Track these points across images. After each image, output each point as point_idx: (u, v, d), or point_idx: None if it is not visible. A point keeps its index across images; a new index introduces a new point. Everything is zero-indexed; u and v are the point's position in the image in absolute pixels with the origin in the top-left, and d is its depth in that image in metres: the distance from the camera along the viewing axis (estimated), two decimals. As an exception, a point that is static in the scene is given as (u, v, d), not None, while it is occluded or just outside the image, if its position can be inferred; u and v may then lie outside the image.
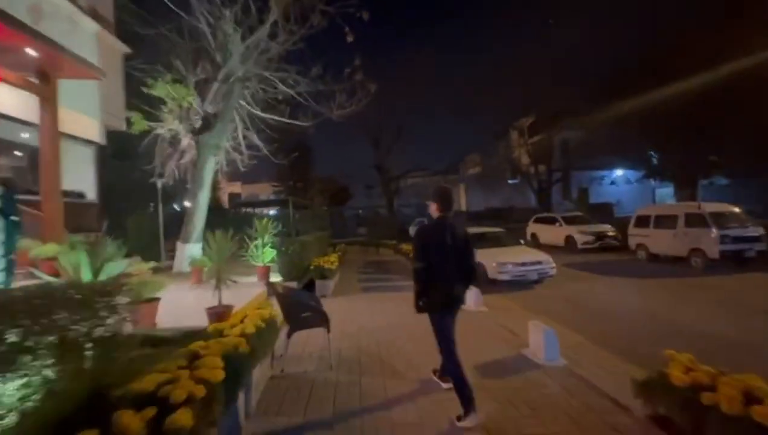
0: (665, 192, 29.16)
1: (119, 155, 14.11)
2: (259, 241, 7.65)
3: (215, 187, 31.13)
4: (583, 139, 26.92)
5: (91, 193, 10.26)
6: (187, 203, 9.63)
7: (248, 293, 6.39)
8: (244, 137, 10.71)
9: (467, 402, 2.79)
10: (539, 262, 8.88)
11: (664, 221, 11.63)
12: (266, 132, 11.08)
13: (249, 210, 19.64)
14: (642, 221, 12.51)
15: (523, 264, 8.76)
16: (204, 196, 9.51)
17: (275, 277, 7.59)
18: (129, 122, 9.00)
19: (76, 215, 9.61)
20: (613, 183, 29.75)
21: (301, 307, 3.69)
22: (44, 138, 7.06)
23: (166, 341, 3.69)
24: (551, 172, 27.55)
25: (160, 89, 8.69)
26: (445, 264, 2.96)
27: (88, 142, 10.27)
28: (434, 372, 3.55)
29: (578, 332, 4.95)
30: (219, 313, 3.97)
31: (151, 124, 9.40)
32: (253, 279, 7.57)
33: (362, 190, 36.69)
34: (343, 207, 34.46)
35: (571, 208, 25.83)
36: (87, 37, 9.95)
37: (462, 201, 37.61)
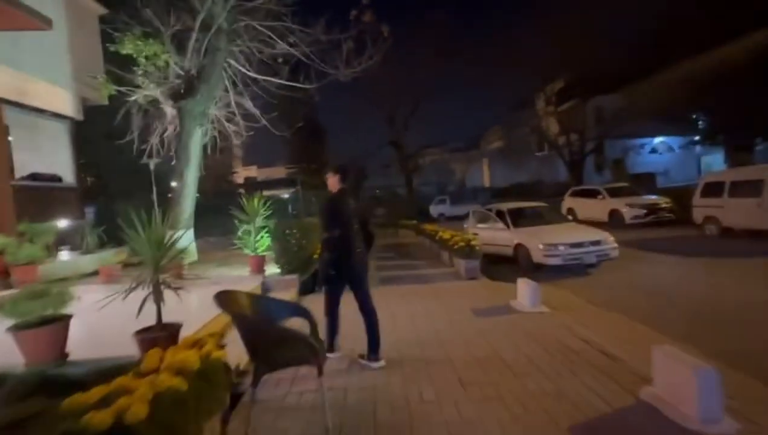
0: (712, 159, 26.28)
1: (112, 134, 12.92)
2: (250, 226, 6.21)
3: (226, 170, 30.22)
4: (620, 104, 24.19)
5: (68, 177, 9.03)
6: (173, 183, 8.25)
7: None
8: (238, 104, 9.18)
9: (330, 344, 3.27)
10: (598, 242, 7.14)
11: (744, 188, 9.57)
12: (264, 98, 9.52)
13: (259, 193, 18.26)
14: (712, 190, 10.44)
15: (578, 244, 7.05)
16: (191, 174, 8.12)
17: (273, 270, 6.17)
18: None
19: (51, 201, 8.41)
20: (653, 151, 26.99)
21: (273, 336, 2.19)
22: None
23: (74, 384, 2.31)
24: (584, 142, 25.04)
25: (128, 45, 7.20)
26: (351, 232, 3.15)
27: (60, 116, 8.96)
28: (361, 357, 3.32)
29: (692, 343, 3.31)
30: (154, 341, 2.54)
31: (127, 89, 7.97)
32: (245, 272, 6.18)
33: (379, 169, 34.97)
34: (359, 188, 32.95)
35: (608, 180, 23.49)
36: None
37: (485, 177, 35.42)
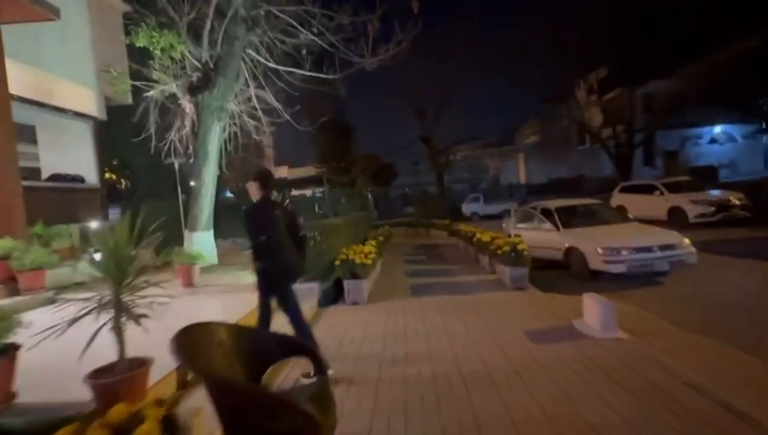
0: (782, 150, 23.41)
1: (139, 134, 12.92)
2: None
3: (255, 170, 30.27)
4: (672, 90, 21.94)
5: (92, 177, 8.88)
6: (192, 183, 7.84)
7: (235, 309, 4.38)
8: (258, 99, 8.67)
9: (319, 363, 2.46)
10: (671, 246, 5.99)
11: None
12: (286, 91, 8.97)
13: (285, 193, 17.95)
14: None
15: (646, 249, 5.93)
16: (210, 173, 7.67)
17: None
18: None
19: (74, 202, 8.25)
20: (713, 141, 24.40)
21: (257, 404, 1.47)
22: (-9, 102, 5.45)
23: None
24: (632, 134, 22.96)
25: (143, 38, 6.80)
26: (281, 238, 3.12)
27: (84, 116, 8.82)
28: (305, 376, 3.05)
29: None
30: (111, 388, 1.89)
31: (144, 84, 7.64)
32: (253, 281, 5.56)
33: (408, 166, 34.07)
34: (388, 186, 32.24)
35: (659, 174, 21.43)
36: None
37: (520, 173, 33.67)
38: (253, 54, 8.05)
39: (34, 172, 8.66)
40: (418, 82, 24.01)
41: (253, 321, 4.33)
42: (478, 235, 7.41)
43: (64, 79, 8.14)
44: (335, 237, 5.90)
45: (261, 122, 8.87)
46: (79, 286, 6.34)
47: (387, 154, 33.61)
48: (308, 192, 27.33)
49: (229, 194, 22.10)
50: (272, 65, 8.22)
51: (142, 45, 7.05)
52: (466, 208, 24.17)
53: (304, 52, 9.29)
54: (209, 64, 7.47)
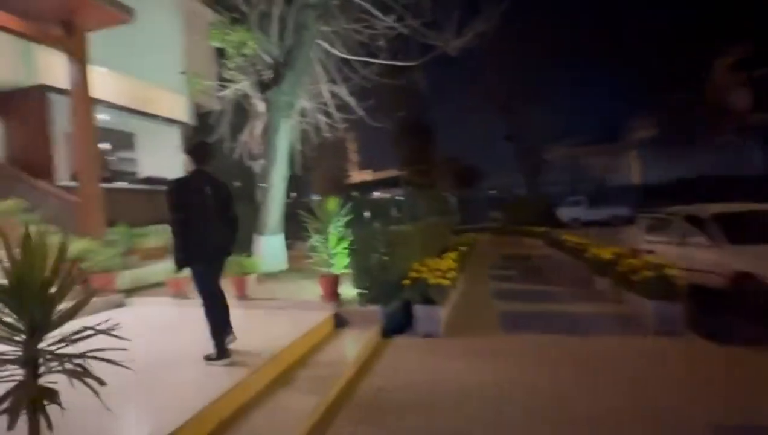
0: None
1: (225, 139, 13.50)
2: (322, 236, 4.78)
3: (341, 174, 31.03)
4: None
5: (179, 180, 9.22)
6: (262, 185, 7.52)
7: (278, 331, 3.55)
8: (331, 95, 8.09)
9: (220, 348, 2.92)
10: None
11: None
12: (360, 85, 8.24)
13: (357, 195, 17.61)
14: None
15: None
16: (279, 174, 7.23)
17: (349, 292, 4.62)
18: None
19: (160, 205, 8.60)
20: None
21: None
22: (75, 105, 5.58)
23: None
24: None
25: (217, 37, 6.61)
26: (206, 214, 2.96)
27: (175, 122, 9.21)
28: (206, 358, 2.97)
29: None
30: None
31: (222, 84, 7.54)
32: (314, 296, 4.76)
33: (494, 168, 31.62)
34: (471, 188, 30.25)
35: None
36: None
37: (633, 173, 28.80)
38: (325, 45, 7.46)
39: (133, 176, 9.28)
40: (504, 72, 21.82)
41: (293, 351, 3.52)
42: (593, 250, 5.69)
43: (157, 88, 8.55)
44: (405, 249, 4.84)
45: (333, 119, 8.28)
46: (155, 286, 6.36)
47: (471, 154, 31.66)
48: (388, 195, 26.90)
49: (315, 197, 22.70)
50: (345, 56, 7.54)
51: (216, 44, 6.92)
52: (565, 213, 21.18)
53: (380, 42, 8.52)
54: (279, 58, 7.05)
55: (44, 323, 1.37)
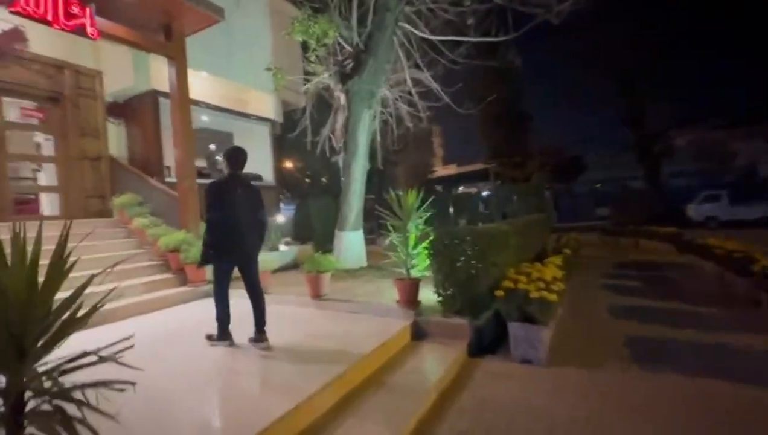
0: None
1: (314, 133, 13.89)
2: (401, 234, 4.23)
3: (425, 169, 30.25)
4: None
5: (268, 176, 9.61)
6: (342, 178, 7.31)
7: (349, 340, 3.09)
8: (415, 82, 7.52)
9: (222, 331, 3.26)
10: None
11: None
12: (446, 68, 7.53)
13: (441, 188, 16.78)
14: None
15: None
16: (359, 167, 6.94)
17: (429, 297, 4.01)
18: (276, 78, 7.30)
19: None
20: None
21: None
22: (175, 106, 5.96)
23: None
24: None
25: (299, 30, 6.52)
26: (237, 215, 3.16)
27: (265, 120, 9.59)
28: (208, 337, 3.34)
29: None
30: None
31: (306, 77, 7.53)
32: (389, 301, 4.25)
33: (602, 158, 27.69)
34: (574, 181, 27.00)
35: None
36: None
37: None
38: (408, 27, 6.90)
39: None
40: (621, 48, 18.72)
41: (364, 367, 3.05)
42: (763, 262, 4.16)
43: (249, 87, 8.97)
44: (497, 250, 4.06)
45: (417, 108, 7.71)
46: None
47: (571, 143, 28.20)
48: (474, 189, 25.38)
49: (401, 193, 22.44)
50: (430, 36, 6.90)
51: (299, 38, 6.86)
52: (696, 211, 17.46)
53: (469, 21, 7.70)
54: (360, 45, 6.71)
55: (31, 344, 1.08)
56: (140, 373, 1.36)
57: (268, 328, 3.29)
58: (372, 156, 7.56)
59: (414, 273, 4.23)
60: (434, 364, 3.23)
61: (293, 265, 7.48)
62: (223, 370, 2.88)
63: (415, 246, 4.25)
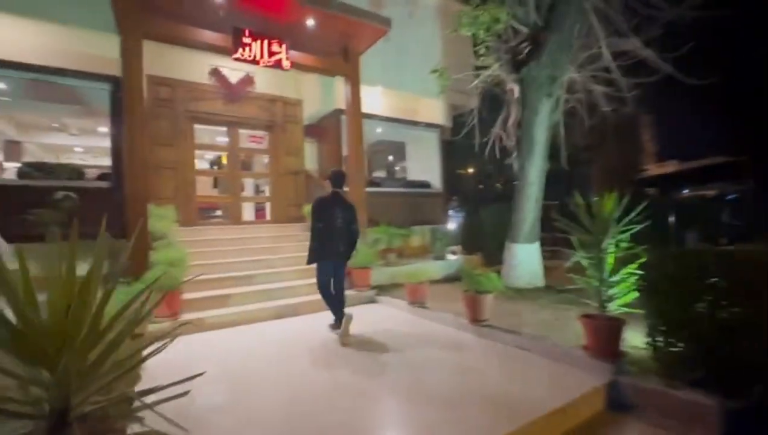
0: None
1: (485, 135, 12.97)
2: (592, 254, 3.07)
3: (630, 169, 24.21)
4: None
5: (436, 182, 9.40)
6: (515, 182, 6.33)
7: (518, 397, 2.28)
8: (616, 55, 5.87)
9: (339, 319, 3.91)
10: None
11: None
12: (659, 23, 5.58)
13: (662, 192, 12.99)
14: None
15: None
16: (535, 168, 5.87)
17: (637, 343, 2.75)
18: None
19: (419, 207, 8.97)
20: None
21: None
22: (349, 121, 6.41)
23: None
24: None
25: (466, 24, 6.01)
26: (334, 226, 3.90)
27: (433, 126, 9.47)
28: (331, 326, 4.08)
29: None
30: None
31: (474, 73, 6.97)
32: (572, 341, 3.16)
33: None
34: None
35: None
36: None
37: None
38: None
39: (400, 181, 10.28)
40: None
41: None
42: None
43: (419, 96, 9.04)
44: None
45: (618, 87, 6.02)
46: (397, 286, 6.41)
47: None
48: (711, 192, 18.83)
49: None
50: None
51: (467, 32, 6.34)
52: None
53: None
54: (538, 23, 5.67)
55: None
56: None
57: (426, 352, 3.39)
58: (553, 155, 6.32)
59: (612, 307, 3.04)
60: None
61: (458, 277, 6.98)
62: (355, 394, 2.62)
63: (615, 271, 3.06)
